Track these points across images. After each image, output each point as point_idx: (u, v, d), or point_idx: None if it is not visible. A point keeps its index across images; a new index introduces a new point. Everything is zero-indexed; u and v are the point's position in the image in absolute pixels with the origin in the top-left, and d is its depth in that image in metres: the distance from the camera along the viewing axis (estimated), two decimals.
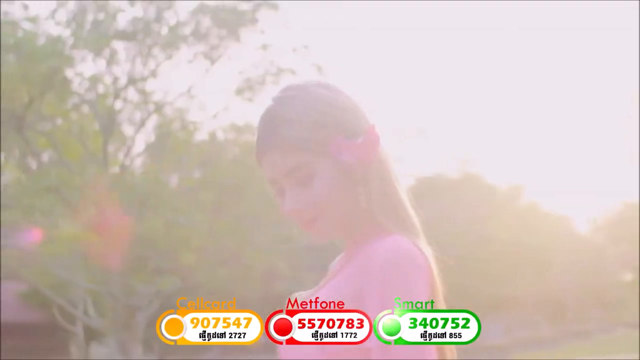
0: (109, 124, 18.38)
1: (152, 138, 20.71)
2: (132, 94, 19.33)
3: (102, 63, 18.41)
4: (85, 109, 19.56)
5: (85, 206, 16.76)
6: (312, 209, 1.62)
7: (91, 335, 26.09)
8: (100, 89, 18.61)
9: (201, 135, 22.10)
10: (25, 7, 16.44)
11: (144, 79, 18.58)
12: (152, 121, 20.23)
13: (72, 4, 17.58)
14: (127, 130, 20.47)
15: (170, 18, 18.00)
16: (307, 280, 16.66)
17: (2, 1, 16.03)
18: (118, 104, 19.05)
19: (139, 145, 21.25)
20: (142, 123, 19.63)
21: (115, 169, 19.25)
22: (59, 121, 19.04)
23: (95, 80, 18.62)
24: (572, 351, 33.20)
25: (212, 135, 22.43)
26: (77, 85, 18.35)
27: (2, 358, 28.40)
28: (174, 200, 16.51)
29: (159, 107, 19.28)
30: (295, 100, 1.64)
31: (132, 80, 18.43)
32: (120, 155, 20.45)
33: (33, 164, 19.32)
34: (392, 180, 1.66)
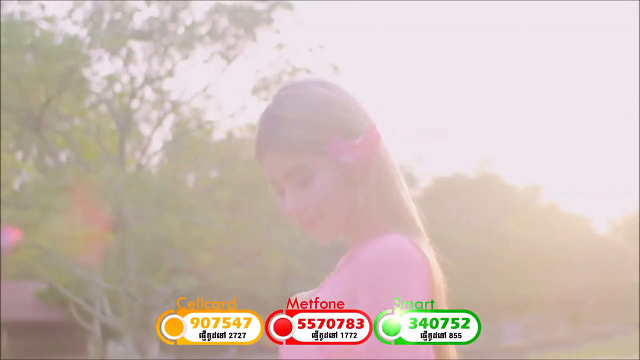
0: (126, 123, 18.42)
1: (169, 137, 20.76)
2: (148, 93, 19.38)
3: (119, 62, 18.46)
4: (103, 108, 19.61)
5: (101, 205, 16.78)
6: (312, 209, 1.60)
7: (108, 334, 26.20)
8: (118, 88, 18.67)
9: (218, 135, 22.14)
10: (42, 7, 16.49)
11: (160, 79, 18.61)
12: (169, 120, 20.28)
13: (89, 3, 17.63)
14: (144, 129, 20.53)
15: (186, 18, 18.02)
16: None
17: (18, 2, 16.09)
18: (135, 103, 19.09)
19: (156, 145, 21.28)
20: (159, 122, 19.68)
21: (132, 168, 19.27)
22: (76, 120, 19.11)
23: (112, 79, 18.67)
24: (590, 352, 32.99)
25: (229, 135, 22.46)
26: (95, 84, 18.40)
27: (20, 356, 28.56)
28: (190, 200, 16.51)
29: (175, 107, 19.31)
30: (294, 100, 1.62)
31: (148, 80, 18.46)
32: (137, 154, 20.49)
33: (51, 164, 19.38)
34: (392, 180, 1.63)
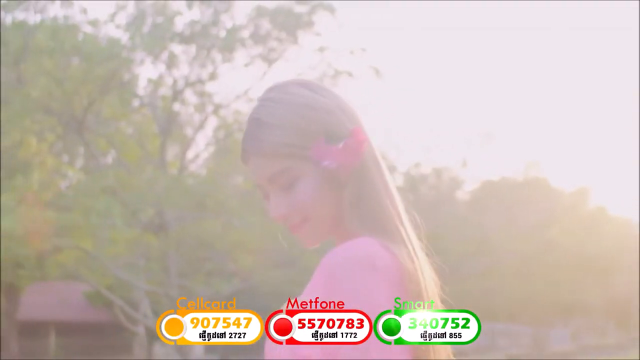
0: (168, 125, 18.56)
1: (211, 140, 20.88)
2: (190, 96, 19.51)
3: (161, 65, 18.61)
4: (145, 111, 19.79)
5: (143, 208, 16.93)
6: (297, 214, 1.60)
7: (153, 335, 26.41)
8: (161, 91, 18.84)
9: None
10: (84, 11, 16.71)
11: (202, 82, 18.73)
12: (211, 123, 20.39)
13: (131, 7, 17.81)
14: (186, 132, 20.66)
15: (227, 21, 18.12)
16: None
17: (61, 5, 16.32)
18: (176, 106, 19.23)
19: (198, 147, 21.42)
20: (201, 125, 19.80)
21: (174, 171, 19.41)
22: (118, 123, 19.31)
23: (157, 83, 18.86)
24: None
25: None
26: (137, 87, 18.58)
27: (69, 356, 28.93)
28: (230, 202, 16.58)
29: (217, 109, 19.41)
30: (276, 104, 1.61)
31: (190, 83, 18.59)
32: (179, 157, 20.63)
33: (94, 166, 19.60)
34: (373, 183, 1.60)
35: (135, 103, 19.44)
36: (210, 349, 27.25)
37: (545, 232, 32.37)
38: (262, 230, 16.77)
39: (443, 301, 1.65)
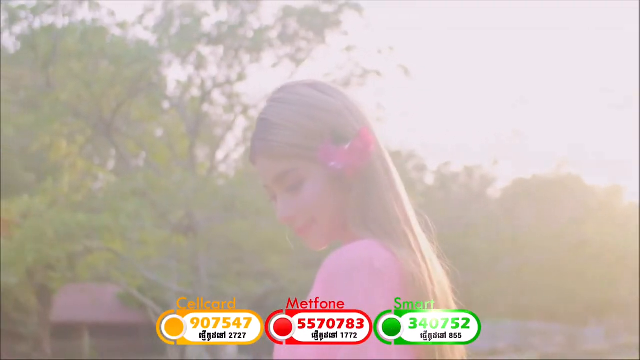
0: (196, 126, 18.64)
1: (240, 140, 20.95)
2: (218, 96, 19.58)
3: (189, 67, 18.71)
4: (173, 112, 19.90)
5: (172, 209, 17.01)
6: (303, 216, 1.59)
7: None
8: (190, 92, 18.93)
9: None
10: (112, 14, 16.85)
11: (230, 83, 18.78)
12: (240, 124, 20.45)
13: (159, 9, 17.93)
14: (215, 133, 20.74)
15: (254, 22, 18.16)
16: None
17: (89, 7, 16.45)
18: (205, 107, 19.31)
19: (227, 148, 21.51)
20: (229, 126, 19.86)
21: (203, 172, 19.49)
22: (147, 125, 19.43)
23: (185, 84, 18.96)
24: None
25: None
26: (166, 88, 18.68)
27: (102, 357, 29.19)
28: (259, 203, 16.62)
29: (245, 110, 19.46)
30: (284, 104, 1.61)
31: (218, 84, 18.66)
32: (208, 158, 20.72)
33: (124, 168, 19.73)
34: (379, 185, 1.59)
35: (164, 105, 19.54)
36: (243, 348, 27.32)
37: (579, 230, 32.16)
38: (291, 230, 16.79)
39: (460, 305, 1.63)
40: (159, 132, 19.74)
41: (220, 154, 20.59)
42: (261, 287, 18.60)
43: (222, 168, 21.34)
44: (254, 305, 17.67)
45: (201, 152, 21.33)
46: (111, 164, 26.36)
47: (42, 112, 16.54)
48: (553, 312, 36.54)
